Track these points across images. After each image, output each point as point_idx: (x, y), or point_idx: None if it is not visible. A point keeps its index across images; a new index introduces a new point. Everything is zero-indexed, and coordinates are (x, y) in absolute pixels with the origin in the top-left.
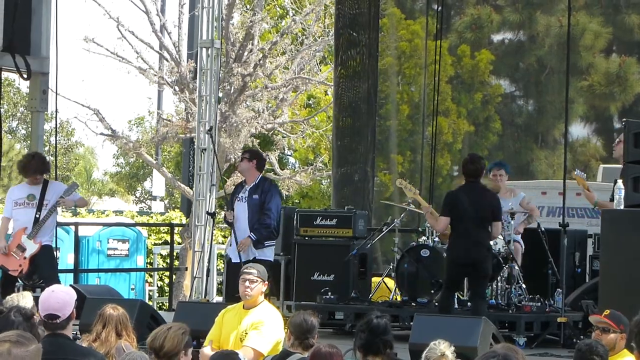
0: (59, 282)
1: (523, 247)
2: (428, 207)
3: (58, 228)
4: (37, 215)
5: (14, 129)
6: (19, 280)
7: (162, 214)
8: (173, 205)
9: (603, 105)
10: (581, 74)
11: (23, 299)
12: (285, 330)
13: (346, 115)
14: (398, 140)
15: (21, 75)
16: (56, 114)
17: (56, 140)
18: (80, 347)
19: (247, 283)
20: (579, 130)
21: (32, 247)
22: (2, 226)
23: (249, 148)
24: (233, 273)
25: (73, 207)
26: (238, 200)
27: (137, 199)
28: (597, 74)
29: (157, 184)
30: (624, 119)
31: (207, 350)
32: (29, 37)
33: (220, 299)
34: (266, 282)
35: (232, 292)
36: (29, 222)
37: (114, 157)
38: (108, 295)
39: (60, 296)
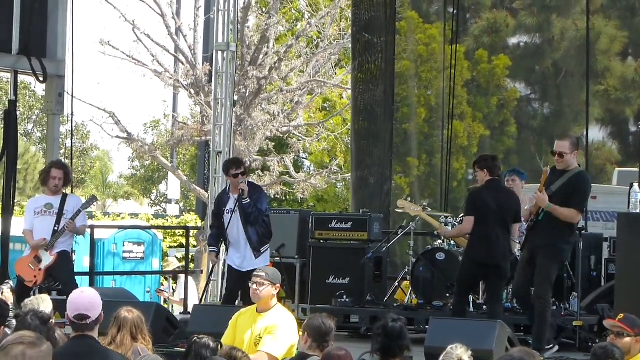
0: (76, 286)
1: None
2: (439, 226)
3: None
4: (56, 227)
5: (30, 131)
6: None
7: (177, 216)
8: (188, 208)
9: (619, 109)
10: (597, 77)
11: (43, 302)
12: (300, 332)
13: (362, 118)
14: (414, 144)
15: (37, 78)
16: (72, 117)
17: (72, 143)
18: (105, 349)
19: (255, 286)
20: (594, 133)
21: (47, 259)
22: (29, 238)
23: (237, 160)
24: (231, 280)
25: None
26: (227, 213)
27: (152, 202)
28: (613, 78)
29: (172, 186)
30: (639, 123)
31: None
32: (45, 40)
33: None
34: (277, 285)
35: (228, 299)
36: (48, 230)
37: (129, 160)
38: (124, 298)
39: (90, 297)
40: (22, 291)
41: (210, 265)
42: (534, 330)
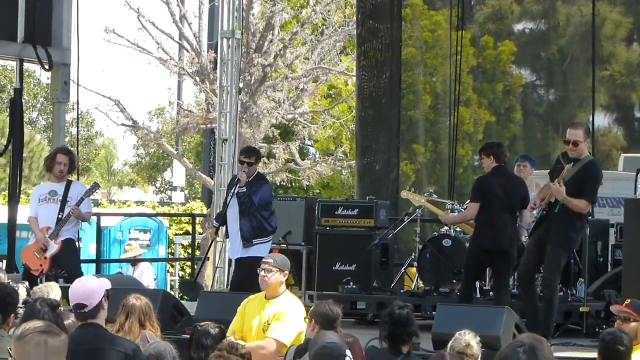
0: (81, 274)
1: None
2: (443, 214)
3: None
4: (60, 215)
5: (34, 119)
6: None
7: (182, 204)
8: (193, 195)
9: (624, 95)
10: (602, 63)
11: (52, 290)
12: (306, 320)
13: (367, 105)
14: (419, 131)
15: (43, 67)
16: (77, 105)
17: (78, 131)
18: (112, 336)
19: (263, 272)
20: (600, 119)
21: (52, 248)
22: (34, 226)
23: (251, 149)
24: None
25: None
26: (229, 196)
27: (157, 190)
28: (618, 63)
29: (177, 174)
30: None
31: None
32: (51, 28)
33: None
34: (285, 272)
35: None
36: (52, 218)
37: (134, 148)
38: (131, 285)
39: (87, 285)
40: (29, 280)
41: (218, 252)
42: (540, 317)
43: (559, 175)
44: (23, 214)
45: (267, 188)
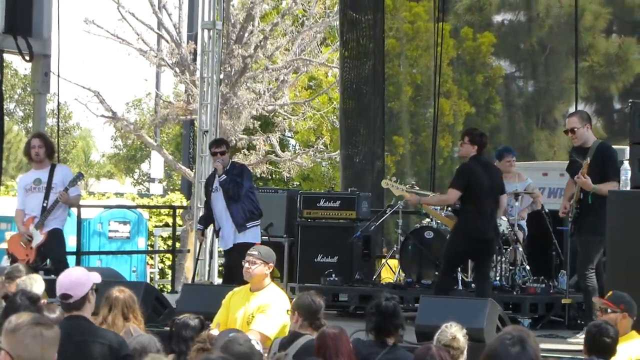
0: (67, 264)
1: (526, 233)
2: (408, 196)
3: None
4: (45, 204)
5: (12, 111)
6: None
7: (162, 196)
8: (172, 187)
9: (603, 86)
10: (582, 54)
11: (35, 283)
12: (289, 312)
13: (348, 97)
14: (400, 122)
15: (23, 57)
16: (58, 97)
17: (58, 122)
18: (97, 328)
19: (247, 264)
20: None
21: (38, 238)
22: (18, 219)
23: (219, 139)
24: (228, 259)
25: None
26: (213, 192)
27: (135, 181)
28: (597, 54)
29: (155, 166)
30: (630, 100)
31: (214, 332)
32: (31, 18)
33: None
34: (270, 265)
35: (229, 279)
36: (37, 207)
37: (111, 139)
38: (112, 277)
39: (73, 276)
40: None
41: (198, 244)
42: (586, 309)
43: (575, 171)
44: (1, 205)
45: (246, 170)
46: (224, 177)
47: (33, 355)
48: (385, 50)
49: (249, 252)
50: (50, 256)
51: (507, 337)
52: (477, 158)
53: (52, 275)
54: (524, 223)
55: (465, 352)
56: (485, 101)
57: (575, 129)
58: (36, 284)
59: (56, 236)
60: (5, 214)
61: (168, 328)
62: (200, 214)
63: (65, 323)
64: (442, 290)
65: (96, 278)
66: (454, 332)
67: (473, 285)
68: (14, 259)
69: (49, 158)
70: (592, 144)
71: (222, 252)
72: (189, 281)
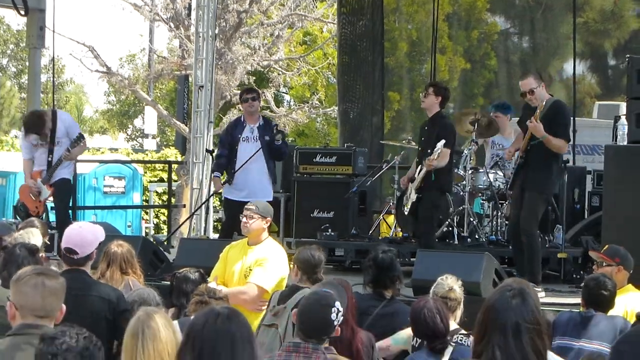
0: (68, 216)
1: None
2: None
3: None
4: (50, 159)
5: (5, 66)
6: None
7: (156, 151)
8: (165, 142)
9: (598, 42)
10: (577, 10)
11: (33, 236)
12: (291, 266)
13: (344, 52)
14: (395, 78)
15: (18, 12)
16: (54, 52)
17: (53, 77)
18: (96, 283)
19: (245, 219)
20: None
21: (45, 193)
22: (26, 168)
23: (251, 87)
24: (230, 211)
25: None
26: (244, 140)
27: (128, 137)
28: (593, 11)
29: (149, 121)
30: (628, 55)
31: (213, 285)
32: None
33: (217, 236)
34: (268, 219)
35: (227, 231)
36: (44, 161)
37: (105, 95)
38: (109, 232)
39: (83, 233)
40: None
41: (194, 200)
42: (527, 267)
43: (526, 128)
44: None
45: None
46: (279, 141)
47: (33, 304)
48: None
49: (246, 206)
50: (55, 206)
51: (507, 289)
52: (443, 114)
53: (54, 231)
54: None
55: (462, 303)
56: (480, 57)
57: (534, 89)
58: (34, 237)
59: (63, 187)
60: (0, 168)
61: (167, 282)
62: (197, 169)
63: (65, 276)
64: (429, 245)
65: (102, 236)
66: (450, 283)
67: (469, 239)
68: (26, 209)
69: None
70: (547, 101)
71: (226, 205)
72: (184, 236)
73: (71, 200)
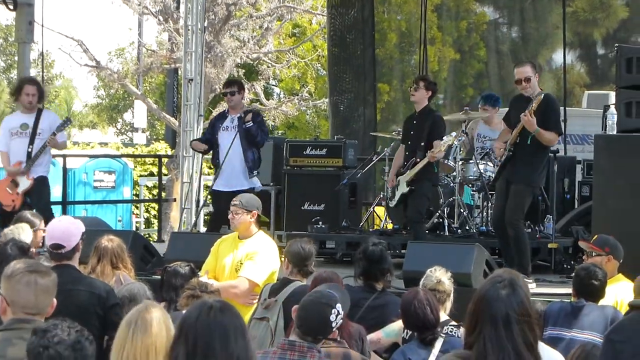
0: (51, 213)
1: None
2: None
3: None
4: (30, 150)
5: None
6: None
7: (146, 145)
8: (155, 136)
9: (587, 32)
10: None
11: (23, 232)
12: (282, 259)
13: (334, 44)
14: (385, 69)
15: (7, 6)
16: (43, 46)
17: (43, 71)
18: (85, 277)
19: (231, 214)
20: (562, 56)
21: (25, 184)
22: (4, 161)
23: (233, 80)
24: (216, 202)
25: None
26: (223, 130)
27: (117, 131)
28: (581, 0)
29: (138, 115)
30: (617, 45)
31: (204, 279)
32: None
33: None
34: (254, 212)
35: (215, 222)
36: (24, 153)
37: (94, 89)
38: (99, 227)
39: (66, 226)
40: (3, 217)
41: (184, 194)
42: (516, 259)
43: (513, 122)
44: None
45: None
46: (250, 124)
47: (26, 301)
48: None
49: (232, 202)
50: (36, 205)
51: (497, 279)
52: (431, 107)
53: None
54: None
55: (451, 295)
56: (470, 47)
57: (531, 78)
58: (24, 233)
59: (42, 184)
60: None
61: (157, 276)
62: (187, 163)
63: (54, 272)
64: (420, 237)
65: (83, 227)
66: (439, 275)
67: (459, 230)
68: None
69: (39, 102)
70: (537, 94)
71: (213, 198)
72: (175, 230)
73: (62, 195)
